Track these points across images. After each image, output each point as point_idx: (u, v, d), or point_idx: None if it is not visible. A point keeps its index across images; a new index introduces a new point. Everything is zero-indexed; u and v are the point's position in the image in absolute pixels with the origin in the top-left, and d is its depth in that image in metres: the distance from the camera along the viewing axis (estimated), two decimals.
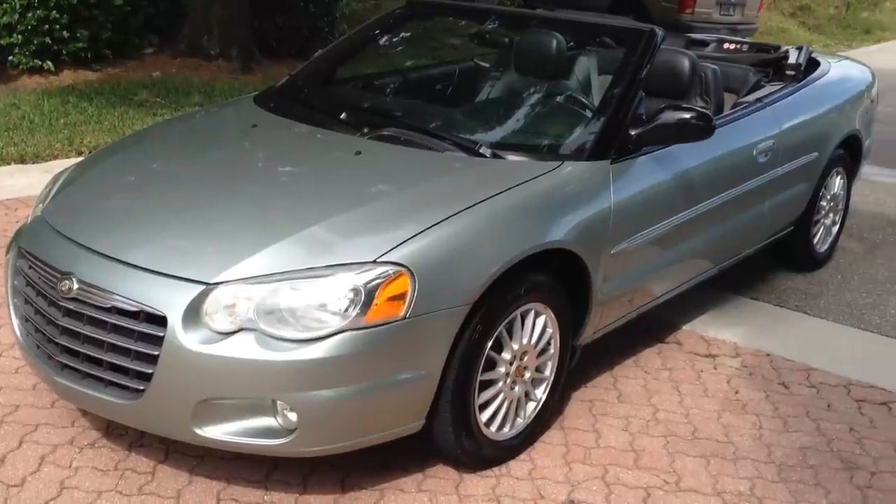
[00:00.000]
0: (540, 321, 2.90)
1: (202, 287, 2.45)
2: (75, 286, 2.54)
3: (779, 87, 4.19)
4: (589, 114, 3.36)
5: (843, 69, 4.79)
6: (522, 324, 2.83)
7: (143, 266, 2.52)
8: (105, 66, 7.62)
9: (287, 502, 2.66)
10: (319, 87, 3.85)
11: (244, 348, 2.40)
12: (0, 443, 2.82)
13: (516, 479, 2.84)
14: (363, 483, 2.76)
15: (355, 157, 3.00)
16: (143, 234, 2.66)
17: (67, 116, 6.26)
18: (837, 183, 4.66)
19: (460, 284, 2.58)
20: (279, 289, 2.45)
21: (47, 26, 7.14)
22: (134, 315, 2.48)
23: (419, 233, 2.57)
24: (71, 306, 2.56)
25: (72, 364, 2.58)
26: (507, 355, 2.81)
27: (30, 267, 2.75)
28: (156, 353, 2.43)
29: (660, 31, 3.47)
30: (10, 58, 7.19)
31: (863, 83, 4.82)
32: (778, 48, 4.76)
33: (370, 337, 2.43)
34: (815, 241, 4.65)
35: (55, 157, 5.67)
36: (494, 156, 3.02)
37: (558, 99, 3.58)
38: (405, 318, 2.47)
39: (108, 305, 2.50)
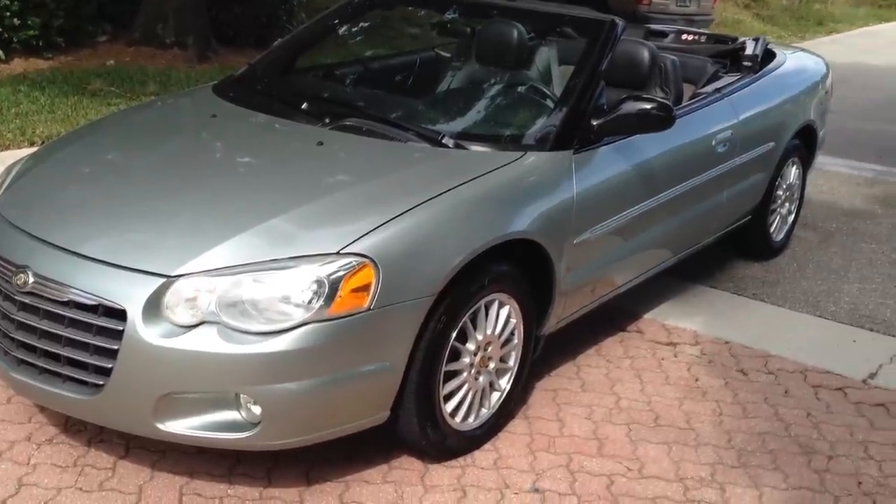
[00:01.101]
0: (504, 311, 2.90)
1: (162, 280, 2.41)
2: (31, 280, 2.49)
3: (736, 77, 4.25)
4: (551, 104, 3.37)
5: (798, 60, 4.87)
6: (486, 314, 2.83)
7: (101, 259, 2.48)
8: (57, 54, 7.45)
9: (251, 496, 2.64)
10: (279, 76, 3.81)
11: (206, 341, 2.37)
12: None
13: (481, 469, 2.85)
14: (328, 475, 2.75)
15: (317, 148, 2.97)
16: (100, 226, 2.61)
17: (19, 106, 6.11)
18: (793, 172, 4.74)
19: (424, 275, 2.57)
20: (241, 281, 2.42)
21: None
22: (92, 309, 2.43)
23: (382, 224, 2.56)
24: (27, 300, 2.50)
25: (28, 359, 2.53)
26: (471, 346, 2.81)
27: None
28: (115, 347, 2.39)
29: (620, 22, 3.49)
30: None
31: (818, 74, 4.91)
32: (735, 39, 4.82)
33: (334, 329, 2.42)
34: (772, 230, 4.73)
35: (7, 148, 5.54)
36: (457, 146, 3.02)
37: (520, 89, 3.59)
38: (369, 309, 2.46)
39: (66, 299, 2.45)
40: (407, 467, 2.83)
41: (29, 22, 7.13)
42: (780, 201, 4.71)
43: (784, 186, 4.69)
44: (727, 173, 3.98)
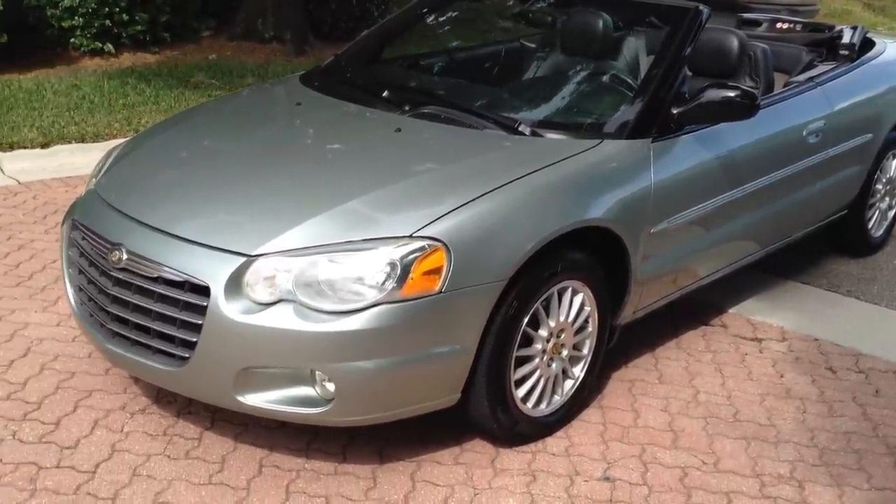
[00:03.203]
0: (577, 299, 2.90)
1: (243, 259, 2.51)
2: (125, 256, 2.63)
3: (831, 66, 4.10)
4: (630, 93, 3.34)
5: None
6: (560, 301, 2.84)
7: (189, 238, 2.60)
8: (163, 48, 7.79)
9: (326, 470, 2.73)
10: (364, 66, 3.90)
11: (283, 319, 2.46)
12: (56, 407, 2.95)
13: (552, 455, 2.86)
14: (400, 454, 2.81)
15: (395, 135, 3.04)
16: (189, 207, 2.75)
17: (126, 97, 6.43)
18: (894, 166, 4.54)
19: (496, 260, 2.60)
20: (317, 261, 2.50)
21: (107, 9, 7.32)
22: (179, 285, 2.56)
23: (456, 208, 2.60)
24: (120, 276, 2.65)
25: (122, 332, 2.68)
26: (543, 332, 2.82)
27: (83, 238, 2.86)
28: (199, 322, 2.51)
29: (704, 10, 3.42)
30: (72, 40, 7.40)
31: None
32: (832, 28, 4.64)
33: (406, 310, 2.47)
34: (870, 225, 4.54)
35: (114, 137, 5.82)
36: (533, 134, 3.03)
37: (601, 78, 3.56)
38: (440, 292, 2.51)
39: (156, 275, 2.59)
40: (478, 450, 2.86)
41: (137, 17, 7.48)
42: (879, 195, 4.51)
43: (884, 180, 4.49)
44: (819, 165, 3.84)
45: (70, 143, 5.65)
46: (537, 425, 2.89)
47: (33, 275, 3.90)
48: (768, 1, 10.48)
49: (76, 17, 7.30)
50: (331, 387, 2.52)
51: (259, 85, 4.37)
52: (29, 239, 4.27)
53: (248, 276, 2.50)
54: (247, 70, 7.44)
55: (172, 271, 2.56)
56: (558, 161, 2.85)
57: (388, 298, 2.46)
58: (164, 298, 2.58)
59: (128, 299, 2.64)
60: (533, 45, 4.33)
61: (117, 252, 2.65)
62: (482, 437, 2.90)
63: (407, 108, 3.19)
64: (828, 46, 4.39)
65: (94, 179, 3.10)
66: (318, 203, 2.64)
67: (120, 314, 2.67)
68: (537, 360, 2.84)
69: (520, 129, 3.03)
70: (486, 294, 2.58)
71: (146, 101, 6.41)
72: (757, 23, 4.77)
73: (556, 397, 2.95)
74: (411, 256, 2.48)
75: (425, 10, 4.16)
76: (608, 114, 3.20)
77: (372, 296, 2.46)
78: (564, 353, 2.92)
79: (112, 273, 2.67)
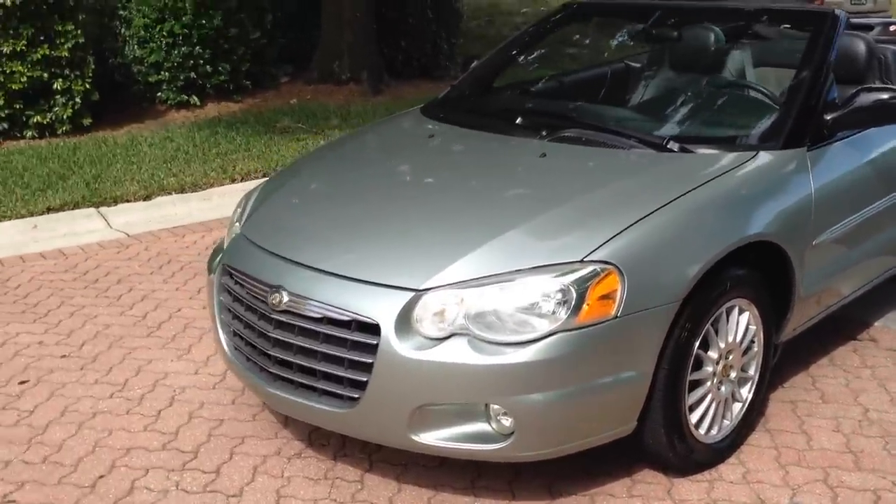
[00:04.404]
0: (743, 318, 2.79)
1: (412, 294, 2.46)
2: (286, 298, 2.59)
3: None
4: (772, 103, 3.24)
5: None
6: (727, 321, 2.73)
7: (351, 276, 2.56)
8: (245, 96, 7.91)
9: None
10: (482, 95, 3.86)
11: (458, 353, 2.39)
12: (213, 455, 2.91)
13: (730, 483, 2.72)
14: (571, 489, 2.70)
15: (540, 160, 2.97)
16: (344, 245, 2.70)
17: (218, 146, 6.51)
18: None
19: (668, 281, 2.51)
20: (487, 292, 2.43)
21: (192, 62, 7.47)
22: (346, 324, 2.51)
23: (623, 230, 2.52)
24: (282, 318, 2.61)
25: (285, 375, 2.64)
26: (713, 354, 2.71)
27: (236, 283, 2.83)
28: (370, 360, 2.45)
29: (841, 13, 3.33)
30: (159, 94, 7.56)
31: None
32: None
33: (582, 338, 2.39)
34: None
35: (211, 186, 5.89)
36: (682, 150, 2.94)
37: (734, 90, 3.48)
38: (616, 317, 2.42)
39: (320, 316, 2.54)
40: (650, 481, 2.74)
41: (220, 68, 7.61)
42: None
43: None
44: None
45: (170, 194, 5.72)
46: (711, 452, 2.77)
47: (161, 325, 3.91)
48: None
49: (162, 72, 7.46)
50: (507, 421, 2.44)
51: (379, 122, 4.35)
52: (150, 290, 4.29)
53: (417, 311, 2.44)
54: (329, 112, 7.50)
55: (338, 310, 2.51)
56: (717, 176, 2.76)
57: (565, 326, 2.37)
58: (329, 339, 2.53)
59: (291, 341, 2.60)
60: (638, 65, 4.27)
61: (277, 295, 2.61)
62: (651, 467, 2.78)
63: (544, 132, 3.13)
64: None
65: (237, 224, 3.08)
66: (480, 233, 2.58)
67: (282, 357, 2.63)
68: (708, 383, 2.72)
69: (669, 146, 2.94)
70: (661, 316, 2.48)
71: (238, 149, 6.49)
72: (869, 27, 4.63)
73: (726, 421, 2.83)
74: (585, 282, 2.40)
75: (537, 34, 4.12)
76: (757, 125, 3.09)
77: (547, 324, 2.38)
78: (733, 374, 2.80)
79: (273, 316, 2.63)
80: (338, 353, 2.52)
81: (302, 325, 2.58)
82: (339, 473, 2.81)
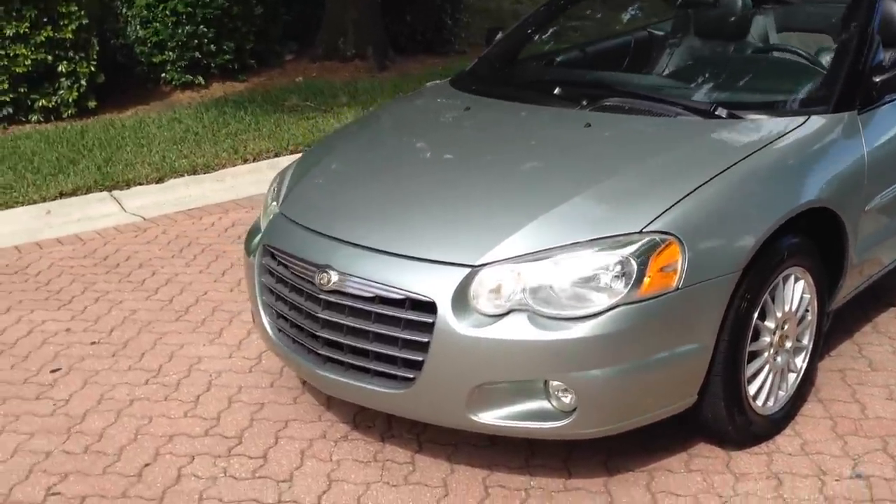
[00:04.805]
0: (798, 286, 2.73)
1: (468, 270, 2.39)
2: (334, 278, 2.52)
3: None
4: (817, 67, 3.16)
5: None
6: (784, 289, 2.67)
7: (403, 253, 2.48)
8: (250, 75, 7.77)
9: (555, 487, 2.59)
10: (511, 66, 3.78)
11: (518, 329, 2.33)
12: (258, 440, 2.85)
13: (789, 455, 2.68)
14: (628, 465, 2.65)
15: (586, 130, 2.89)
16: (393, 221, 2.63)
17: (228, 126, 6.40)
18: None
19: (728, 250, 2.45)
20: (545, 266, 2.37)
21: (196, 41, 7.33)
22: (399, 303, 2.44)
23: (681, 199, 2.45)
24: (331, 298, 2.54)
25: (335, 356, 2.57)
26: (770, 324, 2.65)
27: (279, 264, 2.76)
28: (426, 340, 2.39)
29: None
30: (163, 75, 7.42)
31: None
32: None
33: (645, 310, 2.33)
34: None
35: (223, 166, 5.79)
36: (731, 116, 2.87)
37: (775, 55, 3.41)
38: (678, 288, 2.36)
39: (371, 295, 2.47)
40: (708, 455, 2.70)
41: (224, 47, 7.47)
42: None
43: None
44: None
45: (183, 175, 5.62)
46: (769, 424, 2.72)
47: (189, 308, 3.84)
48: None
49: (166, 52, 7.31)
50: (566, 398, 2.38)
51: (407, 95, 4.26)
52: (173, 273, 4.21)
53: (474, 288, 2.38)
54: (336, 89, 7.38)
55: (391, 289, 2.44)
56: (771, 142, 2.69)
57: (627, 299, 2.31)
58: (382, 318, 2.46)
59: (341, 322, 2.53)
60: (662, 33, 4.20)
61: (325, 274, 2.54)
62: (707, 441, 2.73)
63: (585, 102, 3.05)
64: None
65: (273, 203, 2.99)
66: (533, 206, 2.51)
67: (332, 338, 2.56)
68: (766, 354, 2.67)
69: (716, 112, 2.86)
70: (722, 287, 2.42)
71: (247, 129, 6.37)
72: None
73: (781, 392, 2.78)
74: (645, 253, 2.33)
75: (562, 4, 4.04)
76: (804, 89, 3.02)
77: (608, 297, 2.32)
78: (788, 344, 2.75)
79: (321, 296, 2.56)
80: (391, 333, 2.45)
81: (352, 304, 2.51)
82: (389, 455, 2.76)
